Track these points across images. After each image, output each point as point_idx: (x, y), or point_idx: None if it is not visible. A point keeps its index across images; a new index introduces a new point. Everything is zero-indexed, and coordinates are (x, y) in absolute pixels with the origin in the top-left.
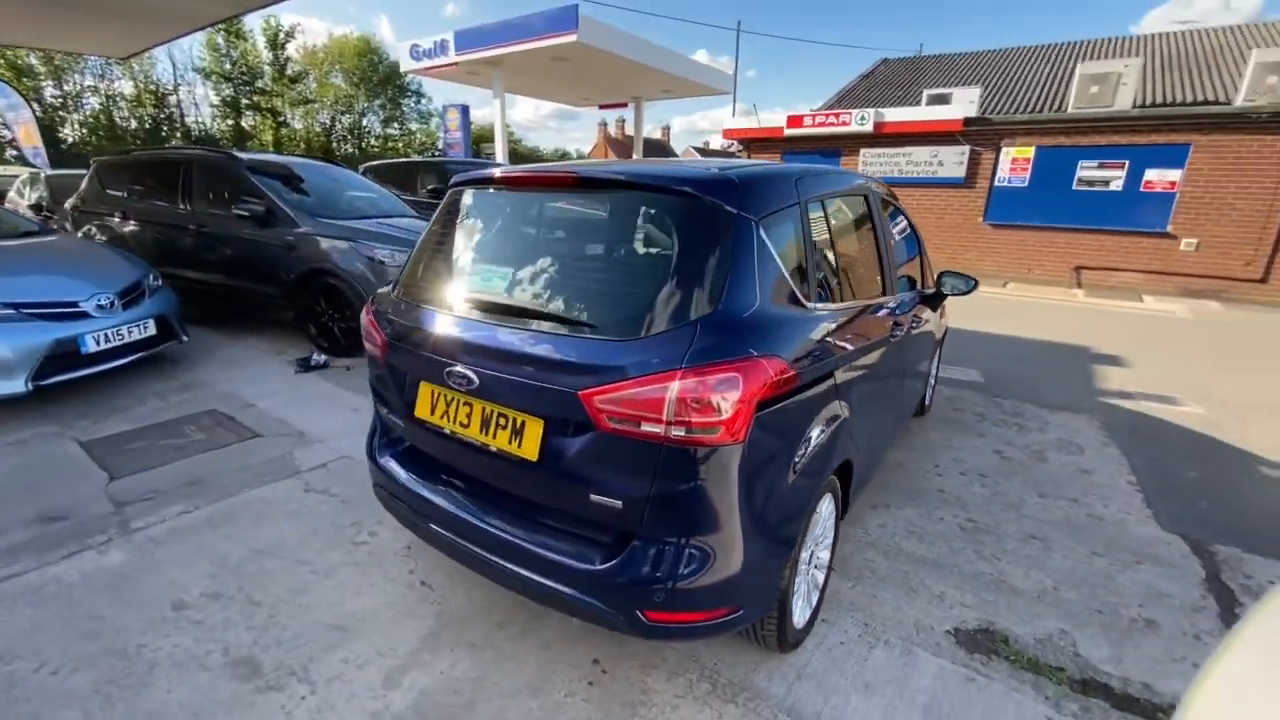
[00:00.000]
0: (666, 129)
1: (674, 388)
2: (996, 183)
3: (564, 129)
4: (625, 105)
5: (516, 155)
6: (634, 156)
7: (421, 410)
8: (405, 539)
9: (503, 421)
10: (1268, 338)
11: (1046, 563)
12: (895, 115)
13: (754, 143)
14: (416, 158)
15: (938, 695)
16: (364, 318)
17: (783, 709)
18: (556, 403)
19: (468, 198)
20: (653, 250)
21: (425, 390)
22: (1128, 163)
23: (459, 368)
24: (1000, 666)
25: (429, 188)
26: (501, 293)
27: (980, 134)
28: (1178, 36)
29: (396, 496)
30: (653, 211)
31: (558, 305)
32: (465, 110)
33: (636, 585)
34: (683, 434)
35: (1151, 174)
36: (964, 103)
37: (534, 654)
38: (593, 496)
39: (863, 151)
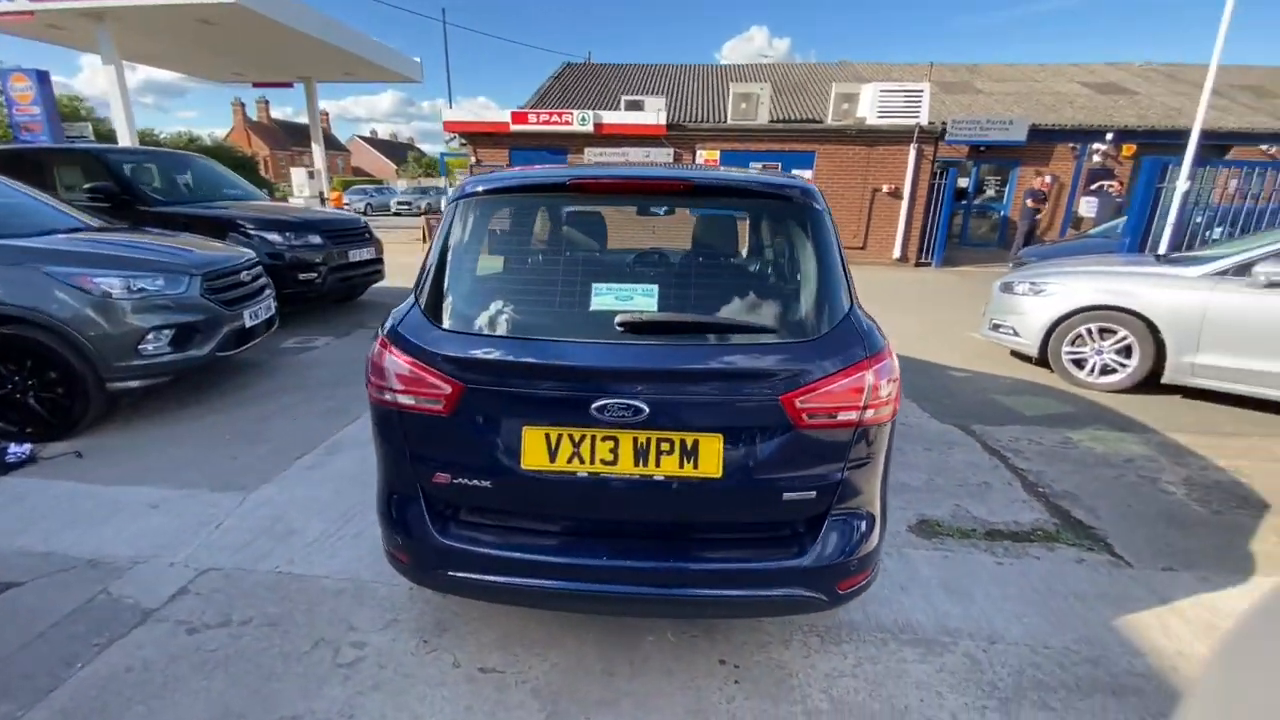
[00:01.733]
0: (326, 115)
1: (869, 377)
2: None
3: (167, 105)
4: (290, 86)
5: (102, 138)
6: (313, 145)
7: (534, 460)
8: (404, 631)
9: (666, 447)
10: (873, 285)
11: (913, 463)
12: (612, 118)
13: (479, 137)
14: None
15: (940, 576)
16: (398, 363)
17: (880, 628)
18: (746, 412)
19: (522, 207)
20: (784, 252)
21: (536, 436)
22: (780, 165)
23: (617, 400)
24: (949, 541)
25: (87, 187)
26: (654, 309)
27: (680, 138)
28: (786, 68)
29: (489, 572)
30: (772, 215)
31: (730, 314)
32: (42, 77)
33: (835, 563)
34: (872, 415)
35: (796, 172)
36: (655, 110)
37: (665, 682)
38: (786, 495)
39: (587, 150)
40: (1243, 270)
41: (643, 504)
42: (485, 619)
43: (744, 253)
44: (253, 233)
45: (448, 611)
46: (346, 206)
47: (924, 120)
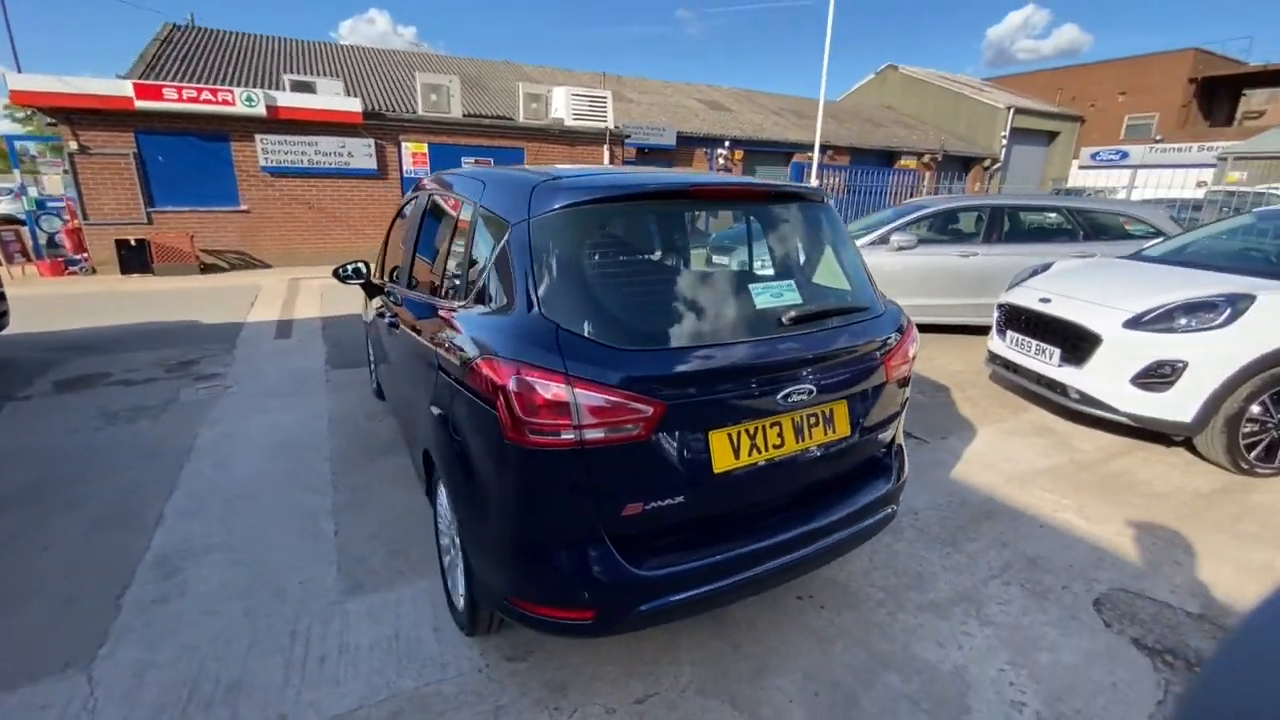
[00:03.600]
0: None
1: (913, 339)
2: (406, 173)
3: None
4: None
5: None
6: None
7: (724, 462)
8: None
9: (813, 420)
10: None
11: None
12: (291, 100)
13: (80, 115)
14: None
15: None
16: (590, 396)
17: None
18: (864, 375)
19: (632, 214)
20: (831, 244)
21: (722, 438)
22: (492, 160)
23: (797, 385)
24: None
25: None
26: (799, 302)
27: (380, 128)
28: (457, 62)
29: (683, 589)
30: (813, 214)
31: (843, 299)
32: None
33: (902, 479)
34: (909, 368)
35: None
36: (332, 93)
37: (777, 630)
38: (879, 435)
39: (260, 138)
40: (882, 240)
41: (800, 475)
42: (592, 664)
43: (803, 247)
44: None
45: (546, 677)
46: None
47: (611, 124)
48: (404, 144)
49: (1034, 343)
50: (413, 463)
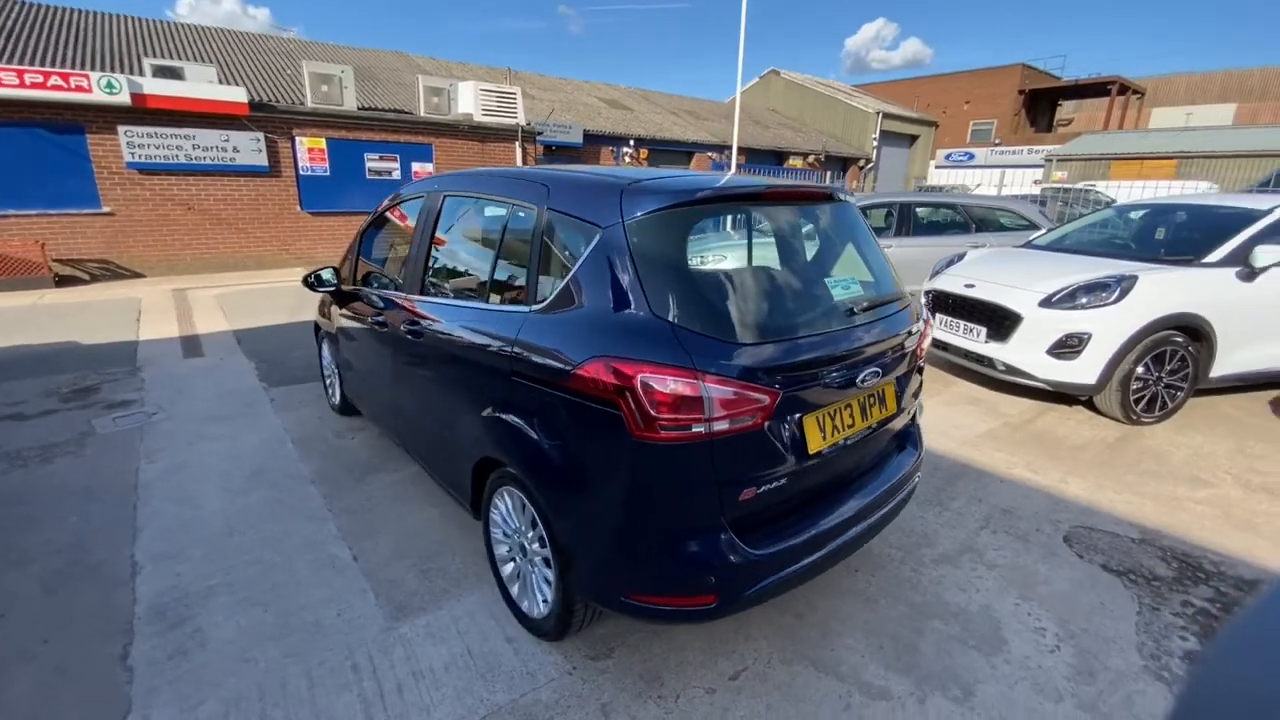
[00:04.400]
0: None
1: (930, 323)
2: (301, 171)
3: None
4: None
5: None
6: None
7: (815, 443)
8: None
9: (873, 400)
10: None
11: None
12: (163, 88)
13: None
14: None
15: None
16: (719, 389)
17: None
18: (906, 358)
19: (718, 216)
20: (861, 239)
21: (813, 421)
22: (399, 156)
23: (871, 369)
24: None
25: None
26: (862, 293)
27: (269, 121)
28: (358, 53)
29: (787, 565)
30: (848, 212)
31: (888, 290)
32: None
33: (922, 446)
34: (925, 348)
35: (417, 166)
36: (202, 80)
37: (822, 608)
38: (911, 410)
39: (124, 129)
40: None
41: (865, 450)
42: (674, 652)
43: (851, 243)
44: None
45: (637, 670)
46: None
47: (523, 120)
48: (298, 139)
49: (962, 324)
50: (435, 478)
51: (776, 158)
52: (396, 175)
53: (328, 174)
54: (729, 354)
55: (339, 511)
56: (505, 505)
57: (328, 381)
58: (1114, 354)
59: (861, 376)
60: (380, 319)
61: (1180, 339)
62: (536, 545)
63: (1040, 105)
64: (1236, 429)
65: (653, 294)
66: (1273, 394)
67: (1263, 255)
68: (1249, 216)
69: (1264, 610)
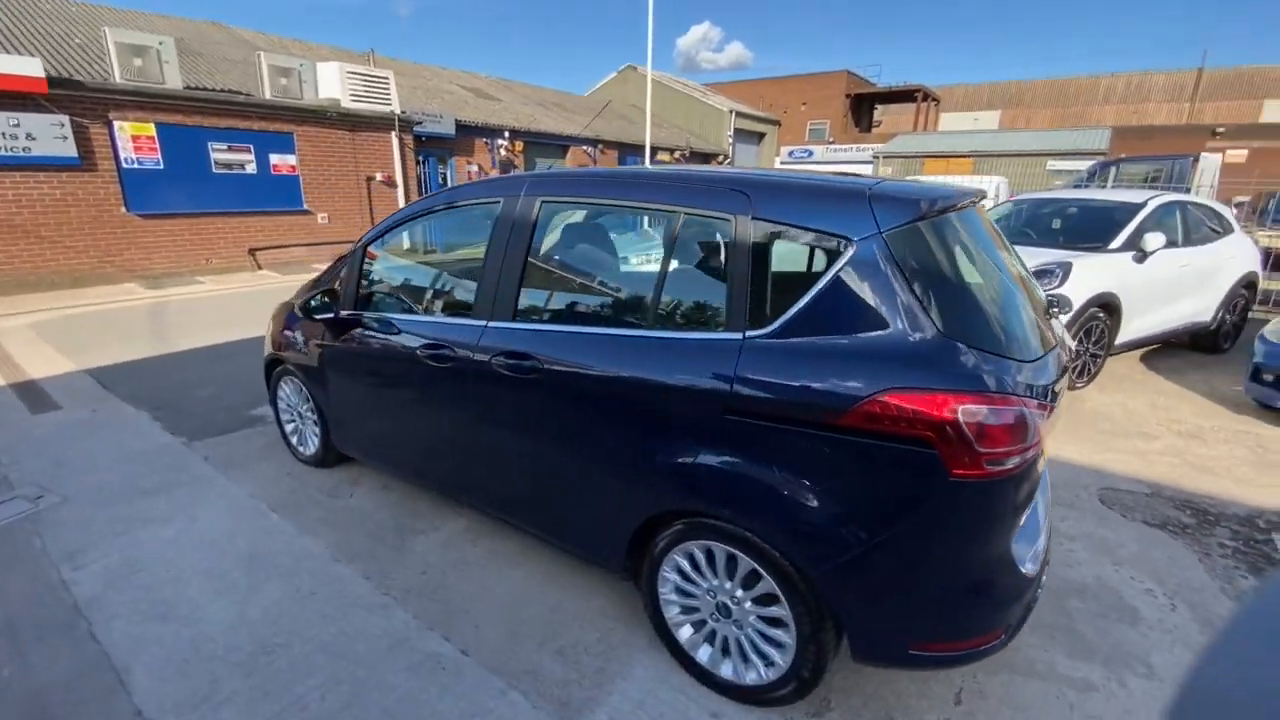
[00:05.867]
0: None
1: None
2: (125, 164)
3: None
4: None
5: None
6: None
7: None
8: None
9: None
10: None
11: None
12: None
13: None
14: None
15: None
16: (1037, 413)
17: None
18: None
19: (955, 225)
20: None
21: None
22: (253, 147)
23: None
24: None
25: None
26: (1043, 298)
27: (77, 101)
28: (170, 20)
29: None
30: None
31: (1040, 294)
32: None
33: None
34: None
35: (276, 158)
36: None
37: None
38: None
39: None
40: None
41: None
42: (887, 687)
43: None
44: None
45: (865, 718)
46: None
47: (397, 108)
48: (117, 124)
49: None
50: (537, 534)
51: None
52: (252, 169)
53: (160, 167)
54: (1024, 374)
55: (400, 594)
56: (689, 562)
57: (290, 428)
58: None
59: (1058, 389)
60: (431, 349)
61: (1102, 315)
62: (750, 604)
63: (862, 109)
64: (1136, 386)
65: (936, 312)
66: (1141, 351)
67: (1150, 241)
68: (1133, 209)
69: (1262, 605)
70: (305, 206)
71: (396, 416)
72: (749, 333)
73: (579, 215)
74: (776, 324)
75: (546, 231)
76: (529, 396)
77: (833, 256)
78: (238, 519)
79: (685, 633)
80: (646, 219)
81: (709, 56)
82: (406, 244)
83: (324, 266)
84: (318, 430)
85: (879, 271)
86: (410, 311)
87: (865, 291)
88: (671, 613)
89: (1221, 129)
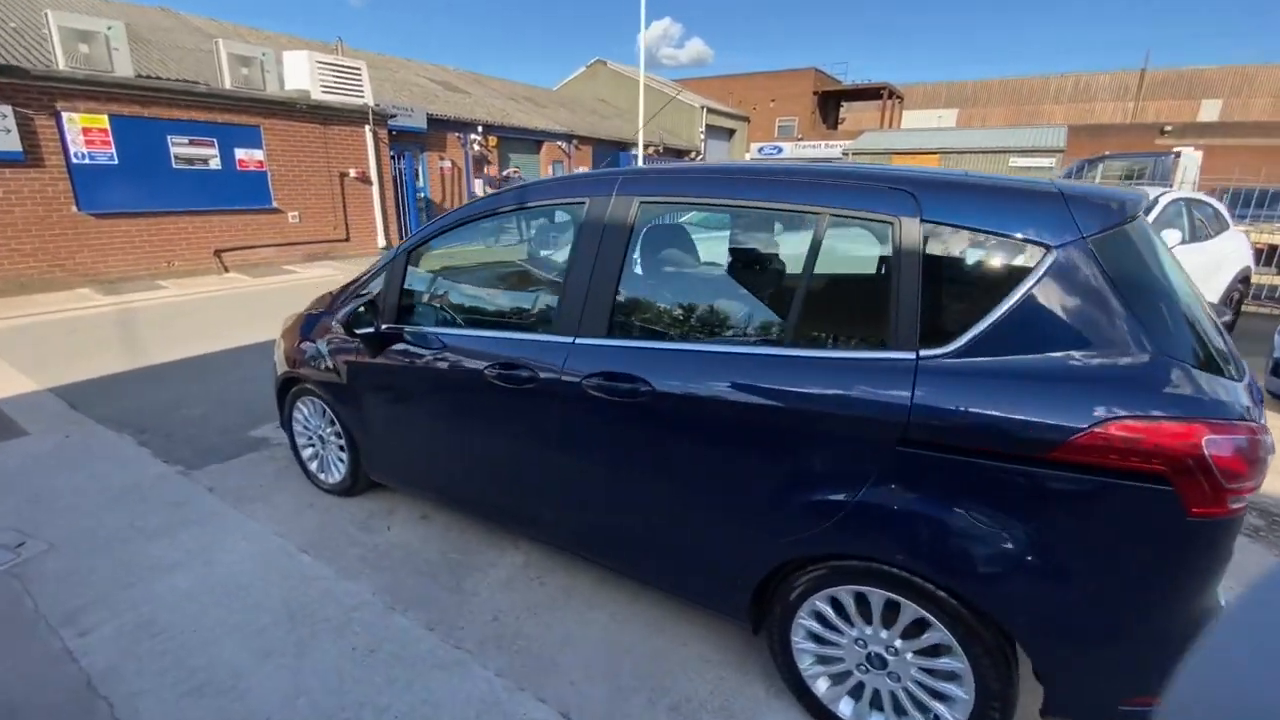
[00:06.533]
0: None
1: None
2: (75, 159)
3: None
4: None
5: None
6: None
7: None
8: None
9: None
10: None
11: None
12: None
13: None
14: None
15: None
16: (1272, 440)
17: None
18: None
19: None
20: None
21: None
22: (216, 141)
23: None
24: None
25: None
26: None
27: (19, 91)
28: (113, 4)
29: None
30: None
31: None
32: None
33: None
34: None
35: (242, 153)
36: None
37: None
38: None
39: None
40: None
41: None
42: None
43: None
44: None
45: None
46: None
47: (371, 100)
48: (66, 115)
49: None
50: (639, 577)
51: (619, 148)
52: (216, 164)
53: (115, 163)
54: (1246, 397)
55: (474, 647)
56: (832, 608)
57: (308, 453)
58: None
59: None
60: (501, 368)
61: None
62: (911, 655)
63: (829, 106)
64: None
65: (1149, 327)
66: None
67: (1168, 238)
68: (1145, 207)
69: (1258, 598)
70: (275, 204)
71: (447, 441)
72: (924, 351)
73: (680, 217)
74: (961, 342)
75: (645, 235)
76: (629, 422)
77: (1024, 265)
78: (263, 562)
79: (822, 685)
80: (803, 222)
81: (670, 53)
82: (459, 249)
83: (295, 268)
84: (344, 455)
85: (1085, 282)
86: (466, 325)
87: (1069, 305)
88: (805, 663)
89: (1169, 127)
